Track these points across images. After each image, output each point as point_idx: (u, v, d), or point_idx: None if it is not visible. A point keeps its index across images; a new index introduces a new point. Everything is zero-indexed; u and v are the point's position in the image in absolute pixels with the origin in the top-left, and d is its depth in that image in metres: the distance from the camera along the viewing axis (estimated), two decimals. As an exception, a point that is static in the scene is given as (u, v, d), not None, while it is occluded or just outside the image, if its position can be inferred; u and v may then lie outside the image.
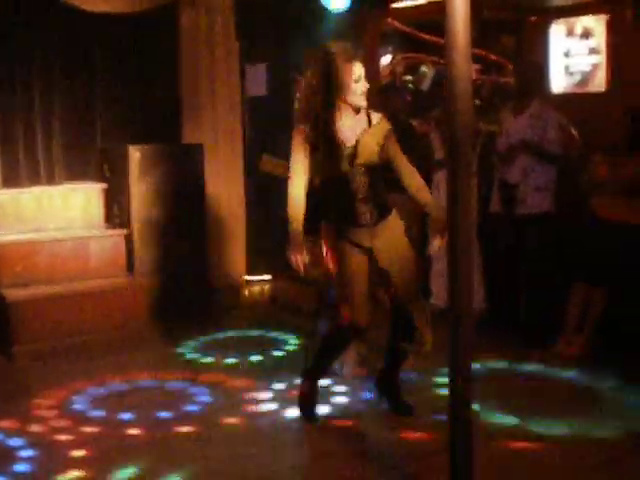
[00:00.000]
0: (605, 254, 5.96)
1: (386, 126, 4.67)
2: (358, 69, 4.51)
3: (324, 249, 4.86)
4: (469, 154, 3.38)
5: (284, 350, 6.47)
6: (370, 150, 4.57)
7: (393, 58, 8.61)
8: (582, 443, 4.49)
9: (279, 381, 5.61)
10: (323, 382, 5.13)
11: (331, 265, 4.82)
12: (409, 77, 8.19)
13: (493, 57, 8.24)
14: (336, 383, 5.49)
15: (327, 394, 5.28)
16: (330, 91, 4.47)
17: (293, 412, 4.99)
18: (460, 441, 3.39)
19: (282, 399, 5.27)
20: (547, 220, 6.31)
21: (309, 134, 4.54)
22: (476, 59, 8.58)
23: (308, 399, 4.94)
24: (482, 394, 4.81)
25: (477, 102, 8.57)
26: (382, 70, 8.37)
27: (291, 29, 8.61)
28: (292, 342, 6.67)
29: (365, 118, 4.62)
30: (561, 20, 7.20)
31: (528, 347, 6.12)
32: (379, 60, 8.56)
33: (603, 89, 6.86)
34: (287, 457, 4.46)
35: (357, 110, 4.59)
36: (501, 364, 5.89)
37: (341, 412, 5.03)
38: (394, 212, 4.72)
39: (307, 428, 4.81)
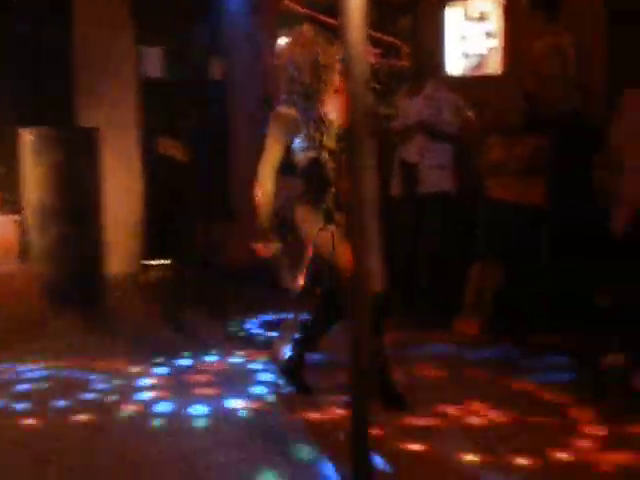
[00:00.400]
0: (499, 234, 6.06)
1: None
2: (340, 51, 4.53)
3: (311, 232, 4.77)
4: (367, 135, 3.36)
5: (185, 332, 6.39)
6: None
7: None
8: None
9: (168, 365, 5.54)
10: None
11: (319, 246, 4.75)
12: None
13: (390, 40, 8.27)
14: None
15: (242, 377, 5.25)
16: (317, 73, 4.49)
17: (189, 398, 4.92)
18: (361, 419, 3.39)
19: (171, 386, 5.20)
20: (447, 200, 6.38)
21: (293, 116, 4.53)
22: (375, 43, 8.65)
23: (297, 369, 4.94)
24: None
25: (377, 86, 8.63)
26: (279, 52, 8.29)
27: (188, 10, 8.48)
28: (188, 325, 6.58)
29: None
30: (457, 3, 7.28)
31: (427, 328, 6.18)
32: (277, 42, 8.48)
33: (499, 72, 6.95)
34: (177, 445, 4.37)
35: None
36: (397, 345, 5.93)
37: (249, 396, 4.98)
38: None
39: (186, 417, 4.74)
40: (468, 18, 7.14)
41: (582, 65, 6.61)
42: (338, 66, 4.51)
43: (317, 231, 4.74)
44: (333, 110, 4.60)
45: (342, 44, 3.31)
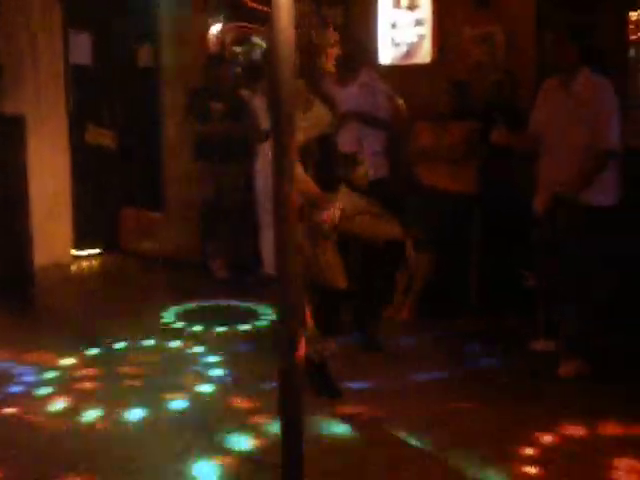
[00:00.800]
0: (429, 221, 6.11)
1: None
2: (334, 34, 4.62)
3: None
4: (293, 123, 3.34)
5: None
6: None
7: (222, 27, 8.49)
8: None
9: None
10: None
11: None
12: (239, 48, 8.12)
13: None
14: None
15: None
16: (311, 54, 4.53)
17: (122, 390, 4.86)
18: (290, 405, 3.39)
19: (103, 377, 5.14)
20: (382, 186, 6.38)
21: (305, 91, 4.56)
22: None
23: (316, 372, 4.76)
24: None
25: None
26: (210, 40, 8.23)
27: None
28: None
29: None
30: (387, -9, 7.28)
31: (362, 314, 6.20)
32: (207, 29, 8.41)
33: (428, 60, 6.98)
34: (110, 436, 4.32)
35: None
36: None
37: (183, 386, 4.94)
38: None
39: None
40: (398, 6, 7.15)
41: (512, 52, 6.68)
42: (333, 48, 4.60)
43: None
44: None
45: (269, 30, 3.29)
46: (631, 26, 6.71)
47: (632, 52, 6.78)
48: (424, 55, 7.02)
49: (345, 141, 6.39)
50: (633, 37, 6.83)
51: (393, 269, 6.25)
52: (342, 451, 4.04)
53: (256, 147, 6.95)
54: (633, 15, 6.79)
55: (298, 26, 4.50)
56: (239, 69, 7.57)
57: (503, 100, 6.43)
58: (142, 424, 4.39)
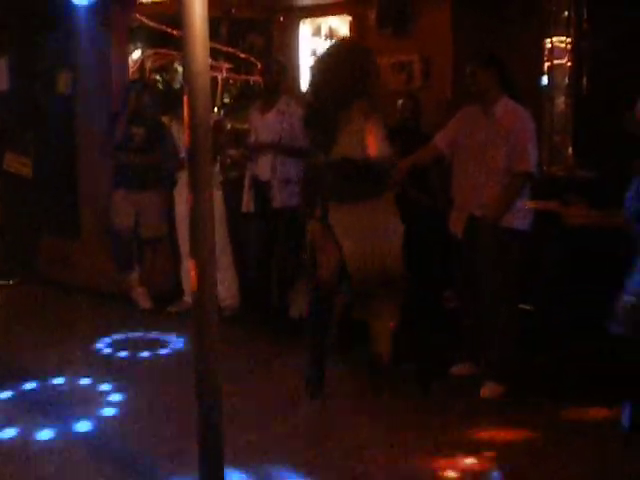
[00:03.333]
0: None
1: None
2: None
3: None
4: (208, 150, 3.33)
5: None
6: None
7: (142, 54, 8.47)
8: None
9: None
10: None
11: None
12: (159, 75, 8.11)
13: (242, 55, 8.30)
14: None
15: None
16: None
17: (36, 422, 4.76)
18: (210, 434, 3.36)
19: (17, 410, 5.01)
20: (295, 214, 6.39)
21: None
22: (226, 58, 8.65)
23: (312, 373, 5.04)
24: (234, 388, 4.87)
25: (227, 100, 8.64)
26: (131, 66, 8.19)
27: (37, 22, 8.25)
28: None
29: None
30: (308, 20, 7.35)
31: (279, 343, 6.19)
32: (128, 55, 8.36)
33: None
34: (26, 470, 4.22)
35: None
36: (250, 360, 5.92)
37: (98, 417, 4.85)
38: None
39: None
40: (318, 34, 7.22)
41: (430, 79, 6.80)
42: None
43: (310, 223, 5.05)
44: None
45: (184, 58, 3.28)
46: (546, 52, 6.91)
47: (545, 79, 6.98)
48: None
49: (262, 169, 6.42)
50: (548, 64, 7.03)
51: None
52: None
53: (175, 174, 6.92)
54: (547, 42, 6.99)
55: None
56: (158, 95, 7.53)
57: (406, 122, 6.52)
58: (55, 455, 4.30)
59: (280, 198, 6.35)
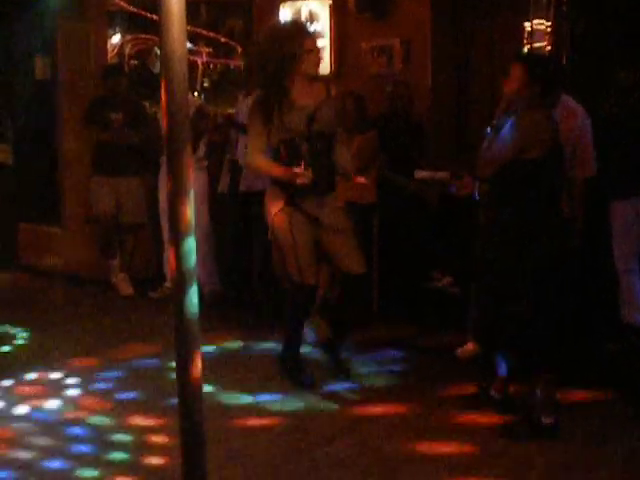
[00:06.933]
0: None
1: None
2: (310, 41, 4.86)
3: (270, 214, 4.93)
4: (187, 136, 3.30)
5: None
6: (327, 118, 4.88)
7: (122, 39, 8.41)
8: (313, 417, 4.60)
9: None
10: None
11: (275, 229, 4.90)
12: (137, 60, 8.06)
13: (222, 40, 8.25)
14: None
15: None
16: (283, 61, 4.74)
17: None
18: (191, 422, 3.33)
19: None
20: (257, 197, 6.34)
21: (267, 100, 4.82)
22: (206, 42, 8.59)
23: (293, 368, 5.06)
24: (216, 375, 4.93)
25: (207, 85, 8.60)
26: (110, 51, 8.14)
27: (12, 8, 8.19)
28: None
29: (324, 88, 5.00)
30: (288, 3, 7.30)
31: (262, 325, 6.18)
32: (107, 40, 8.30)
33: (327, 72, 7.02)
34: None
35: (311, 80, 4.91)
36: (235, 344, 5.91)
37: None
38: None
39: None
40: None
41: (409, 64, 6.79)
42: (306, 57, 4.79)
43: (275, 212, 4.91)
44: (304, 96, 4.83)
45: (160, 41, 3.25)
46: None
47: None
48: (324, 67, 7.05)
49: (239, 152, 6.40)
50: (528, 47, 7.01)
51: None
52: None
53: (159, 159, 6.88)
54: (527, 25, 6.97)
55: (270, 37, 4.85)
56: (138, 80, 7.49)
57: (398, 111, 6.52)
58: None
59: (250, 179, 6.27)
